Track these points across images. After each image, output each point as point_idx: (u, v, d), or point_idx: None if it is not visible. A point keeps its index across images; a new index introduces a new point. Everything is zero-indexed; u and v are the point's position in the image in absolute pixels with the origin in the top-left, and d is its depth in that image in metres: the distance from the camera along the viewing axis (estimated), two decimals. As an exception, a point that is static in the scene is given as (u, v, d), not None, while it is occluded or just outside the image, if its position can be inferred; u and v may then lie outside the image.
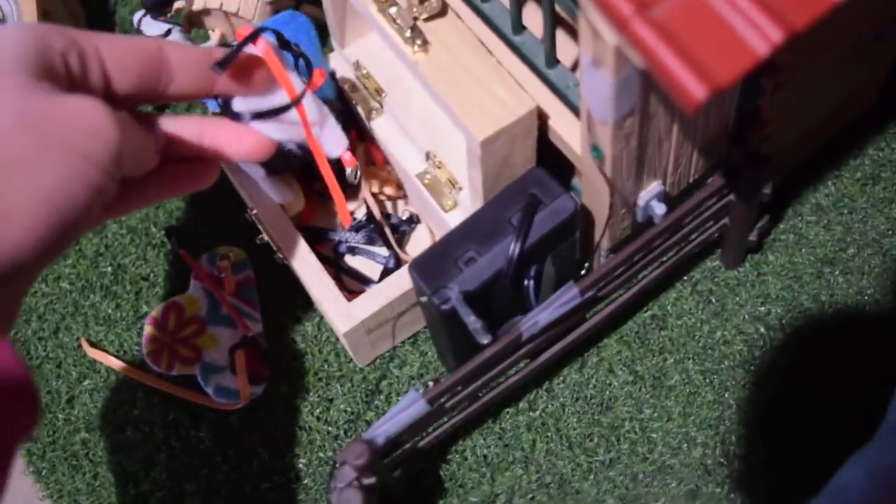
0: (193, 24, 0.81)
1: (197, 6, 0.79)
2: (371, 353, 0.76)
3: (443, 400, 0.65)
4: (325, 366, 0.78)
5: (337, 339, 0.78)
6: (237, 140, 0.57)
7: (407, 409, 0.63)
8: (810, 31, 0.44)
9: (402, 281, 0.71)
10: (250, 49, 0.57)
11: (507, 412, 0.75)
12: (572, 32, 0.68)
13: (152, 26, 0.76)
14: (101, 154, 0.47)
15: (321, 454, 0.75)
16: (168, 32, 0.76)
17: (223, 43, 0.81)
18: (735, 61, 0.43)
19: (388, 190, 0.78)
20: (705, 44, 0.44)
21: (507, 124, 0.63)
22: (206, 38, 0.82)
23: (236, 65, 0.56)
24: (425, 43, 0.65)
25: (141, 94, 0.53)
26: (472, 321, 0.61)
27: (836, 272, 0.77)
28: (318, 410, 0.76)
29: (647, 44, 0.44)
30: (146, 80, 0.52)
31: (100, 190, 0.47)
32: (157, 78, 0.53)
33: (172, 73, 0.53)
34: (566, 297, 0.64)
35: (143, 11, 0.78)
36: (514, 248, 0.63)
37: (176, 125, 0.55)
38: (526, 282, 0.65)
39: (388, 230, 0.77)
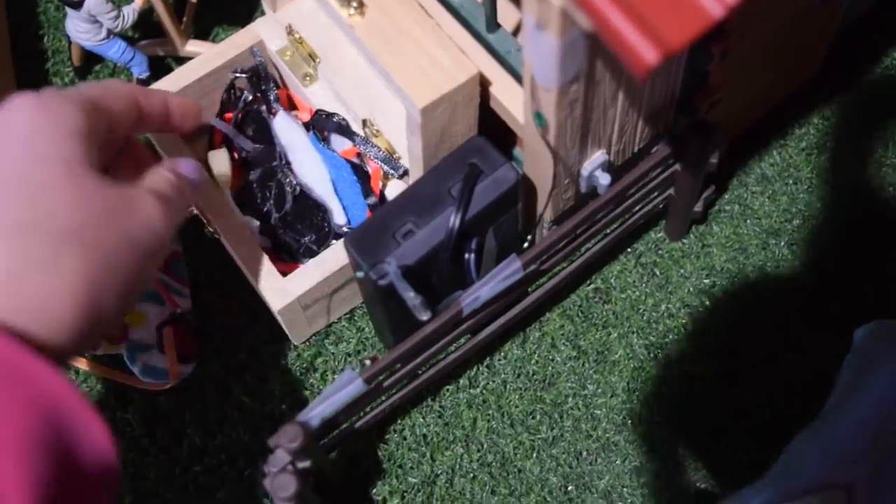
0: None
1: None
2: (307, 330, 0.73)
3: (380, 378, 0.62)
4: (259, 343, 0.75)
5: (270, 315, 0.75)
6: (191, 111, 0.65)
7: (343, 388, 0.60)
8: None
9: (338, 255, 0.68)
10: None
11: (447, 389, 0.73)
12: (513, -5, 0.66)
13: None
14: (155, 249, 0.54)
15: (255, 435, 0.72)
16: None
17: (146, 6, 0.78)
18: (687, 23, 0.41)
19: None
20: (656, 5, 0.41)
21: (449, 91, 0.60)
22: (129, 0, 0.78)
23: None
24: (361, 5, 0.62)
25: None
26: (410, 297, 0.59)
27: (782, 243, 0.76)
28: (251, 389, 0.73)
29: (595, 4, 0.42)
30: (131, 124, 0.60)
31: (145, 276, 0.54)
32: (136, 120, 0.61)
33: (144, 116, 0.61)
34: (508, 271, 0.61)
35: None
36: (454, 220, 0.60)
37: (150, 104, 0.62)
38: (466, 255, 0.63)
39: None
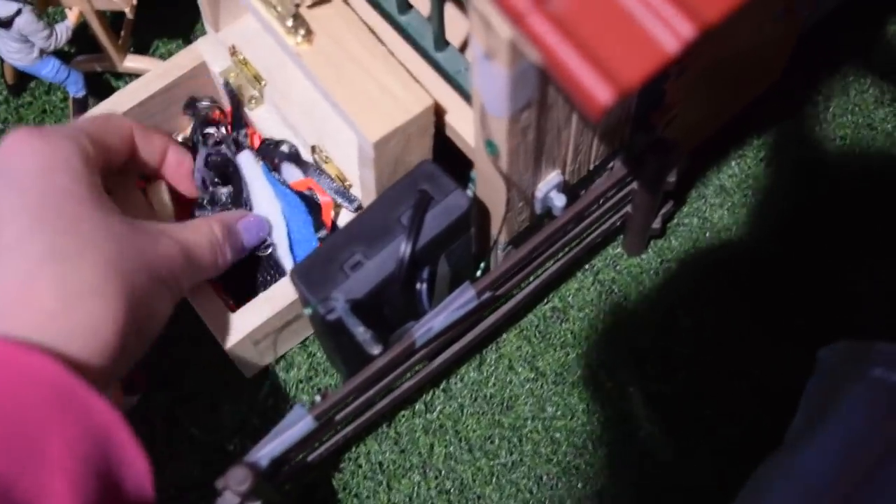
0: (49, 2, 0.74)
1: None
2: (258, 363, 0.70)
3: (331, 413, 0.60)
4: (208, 369, 0.72)
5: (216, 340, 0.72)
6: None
7: (292, 426, 0.58)
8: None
9: (287, 290, 0.65)
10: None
11: (403, 415, 0.71)
12: (463, 8, 0.63)
13: (2, 6, 0.68)
14: (177, 288, 0.57)
15: (205, 467, 0.69)
16: (18, 12, 0.68)
17: (80, 22, 0.74)
18: (642, 60, 0.39)
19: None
20: (609, 40, 0.39)
21: (402, 123, 0.57)
22: (63, 16, 0.75)
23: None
24: (309, 33, 0.60)
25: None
26: (360, 332, 0.56)
27: (741, 257, 0.74)
28: (200, 420, 0.71)
29: (546, 41, 0.40)
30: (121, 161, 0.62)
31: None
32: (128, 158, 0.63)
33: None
34: (462, 300, 0.59)
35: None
36: (404, 249, 0.58)
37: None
38: (418, 285, 0.60)
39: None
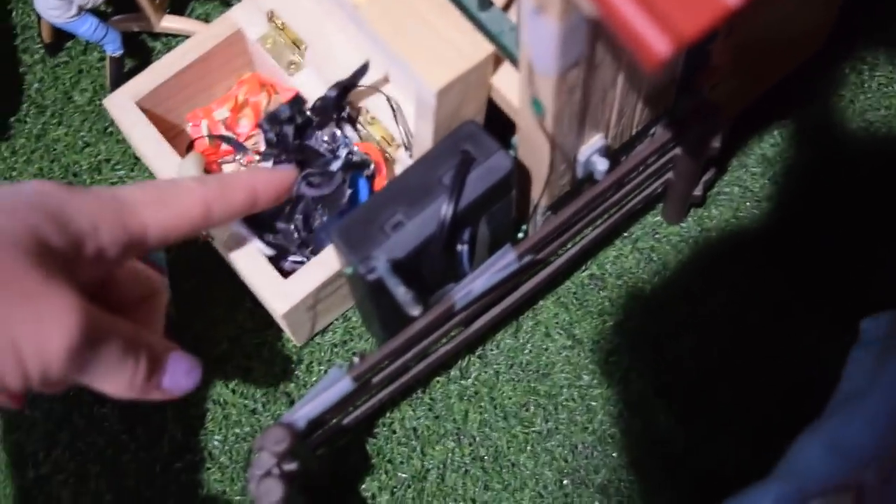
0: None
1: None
2: (310, 329, 0.70)
3: (369, 376, 0.59)
4: (241, 332, 0.72)
5: (253, 302, 0.72)
6: None
7: (330, 387, 0.57)
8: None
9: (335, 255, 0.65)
10: None
11: (438, 381, 0.70)
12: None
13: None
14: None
15: (237, 430, 0.69)
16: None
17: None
18: (701, 12, 0.38)
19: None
20: (668, -9, 0.38)
21: (464, 72, 0.57)
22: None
23: None
24: None
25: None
26: (401, 292, 0.56)
27: (782, 227, 0.73)
28: (233, 383, 0.70)
29: (603, -10, 0.39)
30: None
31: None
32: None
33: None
34: (503, 263, 0.59)
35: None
36: (446, 210, 0.57)
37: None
38: (459, 247, 0.60)
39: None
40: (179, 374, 0.51)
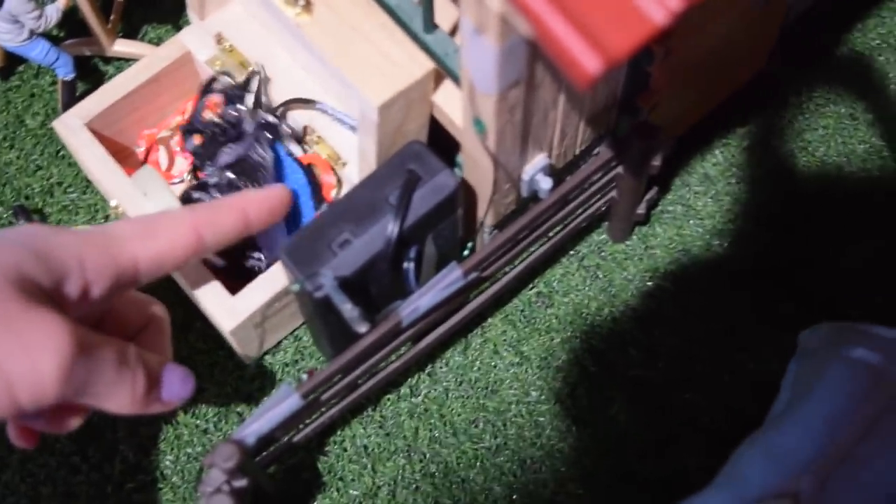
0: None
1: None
2: (258, 347, 0.70)
3: (318, 392, 0.60)
4: (192, 353, 0.72)
5: (204, 323, 0.72)
6: None
7: (279, 404, 0.58)
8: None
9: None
10: None
11: (388, 399, 0.71)
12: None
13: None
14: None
15: (189, 450, 0.70)
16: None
17: (70, 5, 0.75)
18: (630, 30, 0.40)
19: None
20: (598, 10, 0.40)
21: (405, 87, 0.58)
22: (53, -1, 0.75)
23: None
24: (308, 3, 0.60)
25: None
26: (347, 309, 0.57)
27: (726, 244, 0.75)
28: (186, 403, 0.71)
29: (535, 10, 0.40)
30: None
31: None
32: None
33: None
34: (448, 280, 0.60)
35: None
36: (392, 228, 0.58)
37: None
38: (405, 264, 0.61)
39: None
40: (176, 384, 0.54)
